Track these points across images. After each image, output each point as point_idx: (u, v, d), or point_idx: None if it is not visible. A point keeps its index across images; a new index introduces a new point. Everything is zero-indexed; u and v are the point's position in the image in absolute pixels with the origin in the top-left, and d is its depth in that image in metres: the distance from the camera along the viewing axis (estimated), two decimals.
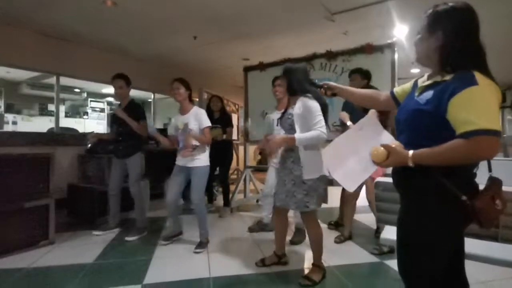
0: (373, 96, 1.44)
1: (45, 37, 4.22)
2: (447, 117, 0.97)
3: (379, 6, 3.32)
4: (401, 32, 3.86)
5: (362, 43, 3.52)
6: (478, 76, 0.94)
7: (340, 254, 2.57)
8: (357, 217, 3.90)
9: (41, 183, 2.76)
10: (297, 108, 1.99)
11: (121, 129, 3.04)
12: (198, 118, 2.69)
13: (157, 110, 6.55)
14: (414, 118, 1.07)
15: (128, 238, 2.94)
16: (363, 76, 2.98)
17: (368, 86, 2.90)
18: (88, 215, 3.54)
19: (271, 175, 3.00)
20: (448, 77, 1.00)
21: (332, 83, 1.51)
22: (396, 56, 3.34)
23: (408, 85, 1.27)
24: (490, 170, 1.10)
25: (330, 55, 3.68)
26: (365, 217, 3.58)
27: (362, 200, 2.99)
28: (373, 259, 2.49)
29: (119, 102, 3.16)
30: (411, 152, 1.01)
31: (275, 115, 2.93)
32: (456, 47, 1.01)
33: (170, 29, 4.07)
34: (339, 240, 2.85)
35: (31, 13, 3.59)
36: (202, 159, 2.70)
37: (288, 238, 2.75)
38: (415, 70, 6.09)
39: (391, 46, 3.34)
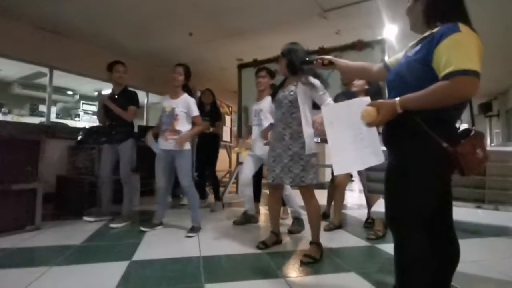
0: (366, 68, 1.52)
1: (41, 29, 4.26)
2: (432, 65, 1.05)
3: (369, 4, 3.46)
4: (391, 32, 4.01)
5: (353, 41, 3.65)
6: (461, 25, 1.04)
7: (331, 239, 2.57)
8: (350, 212, 3.93)
9: (29, 166, 2.73)
10: (301, 86, 2.08)
11: (113, 114, 3.04)
12: (187, 106, 2.73)
13: (150, 112, 6.52)
14: (405, 70, 1.15)
15: (112, 225, 2.91)
16: None
17: None
18: (77, 206, 3.48)
19: (248, 164, 3.03)
20: (435, 30, 1.10)
21: (327, 56, 1.58)
22: (386, 53, 3.47)
23: (400, 54, 1.35)
24: (473, 124, 1.16)
25: (323, 52, 3.79)
26: (357, 213, 3.60)
27: (357, 199, 3.04)
28: (364, 243, 2.51)
29: (109, 91, 3.19)
30: (397, 98, 1.08)
31: (254, 106, 3.08)
32: (436, 6, 1.14)
33: (165, 24, 4.15)
34: (328, 228, 2.86)
35: (27, 5, 3.64)
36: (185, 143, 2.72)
37: (286, 227, 2.82)
38: None
39: (380, 43, 3.47)
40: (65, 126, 5.51)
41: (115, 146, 3.06)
